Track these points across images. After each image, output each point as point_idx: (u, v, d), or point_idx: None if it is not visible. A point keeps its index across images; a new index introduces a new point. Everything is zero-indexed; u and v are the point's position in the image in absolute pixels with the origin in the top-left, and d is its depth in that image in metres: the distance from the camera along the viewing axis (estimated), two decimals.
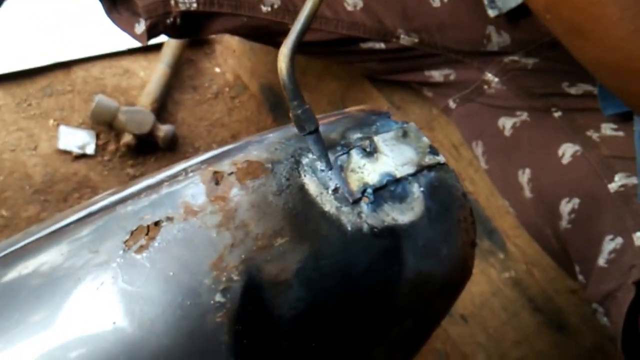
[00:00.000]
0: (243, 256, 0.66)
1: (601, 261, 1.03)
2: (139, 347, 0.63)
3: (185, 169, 0.71)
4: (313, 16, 0.68)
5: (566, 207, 1.12)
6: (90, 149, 1.67)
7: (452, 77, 1.30)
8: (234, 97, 1.89)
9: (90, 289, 0.65)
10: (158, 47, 1.86)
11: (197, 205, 0.68)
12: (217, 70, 1.93)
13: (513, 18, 1.17)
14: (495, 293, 1.56)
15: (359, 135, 0.76)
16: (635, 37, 0.78)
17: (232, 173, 0.70)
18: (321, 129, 0.74)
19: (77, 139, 1.68)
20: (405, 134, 0.78)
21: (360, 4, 1.18)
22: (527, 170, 1.21)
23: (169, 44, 1.83)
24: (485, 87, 1.28)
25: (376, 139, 0.76)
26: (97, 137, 1.70)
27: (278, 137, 0.73)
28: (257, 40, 1.35)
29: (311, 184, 0.70)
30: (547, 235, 1.21)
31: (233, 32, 1.25)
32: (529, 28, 1.19)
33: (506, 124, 1.25)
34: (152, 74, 1.80)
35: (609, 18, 0.78)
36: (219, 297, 0.64)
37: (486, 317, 1.59)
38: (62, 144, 1.66)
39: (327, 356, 0.70)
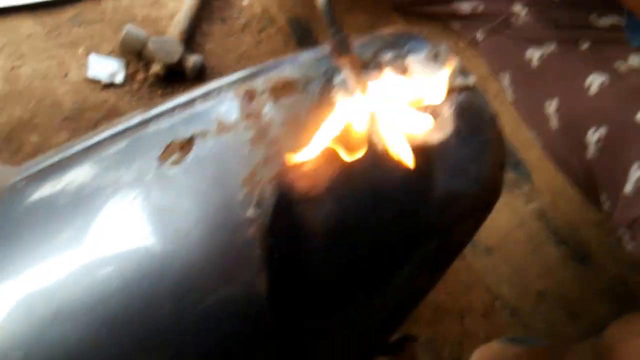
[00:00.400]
0: (276, 171, 0.67)
1: (628, 188, 1.03)
2: (171, 260, 0.64)
3: (218, 87, 0.72)
4: None
5: (593, 136, 1.12)
6: (119, 78, 1.67)
7: (480, 9, 1.28)
8: (261, 30, 1.88)
9: (124, 203, 0.65)
10: None
11: (231, 121, 0.68)
12: (245, 2, 1.92)
13: None
14: (520, 225, 1.56)
15: (390, 55, 0.76)
16: None
17: (265, 91, 0.70)
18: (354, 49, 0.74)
19: (106, 67, 1.67)
20: (436, 55, 0.77)
21: None
22: (554, 101, 1.20)
23: None
24: (513, 19, 1.26)
25: (408, 59, 0.76)
26: (126, 66, 1.70)
27: (310, 56, 0.73)
28: None
29: (342, 102, 0.70)
30: (572, 166, 1.21)
31: None
32: None
33: (534, 55, 1.24)
34: (181, 5, 1.79)
35: None
36: (251, 212, 0.65)
37: (510, 249, 1.59)
38: (92, 73, 1.66)
39: (355, 272, 0.70)
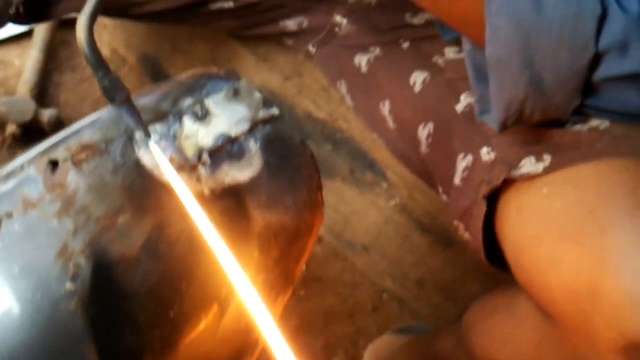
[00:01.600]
0: (87, 240, 0.64)
1: (457, 180, 1.03)
2: None
3: (20, 164, 0.68)
4: None
5: (423, 132, 1.12)
6: None
7: (305, 24, 1.27)
8: (114, 71, 1.84)
9: None
10: (30, 33, 1.79)
11: (35, 196, 0.65)
12: None
13: None
14: (386, 221, 1.56)
15: (190, 101, 0.73)
16: None
17: (67, 159, 0.67)
18: (152, 100, 0.72)
19: None
20: (236, 92, 0.75)
21: None
22: (387, 102, 1.20)
23: (39, 29, 1.75)
24: (337, 29, 1.26)
25: (207, 102, 0.73)
26: None
27: (109, 115, 0.71)
28: (110, 15, 1.30)
29: (146, 158, 0.68)
30: (414, 161, 1.21)
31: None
32: None
33: (361, 61, 1.24)
34: (27, 61, 1.74)
35: None
36: (69, 285, 0.63)
37: (384, 244, 1.59)
38: None
39: (185, 318, 0.68)
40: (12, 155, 1.63)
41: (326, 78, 1.39)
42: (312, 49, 1.32)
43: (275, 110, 0.75)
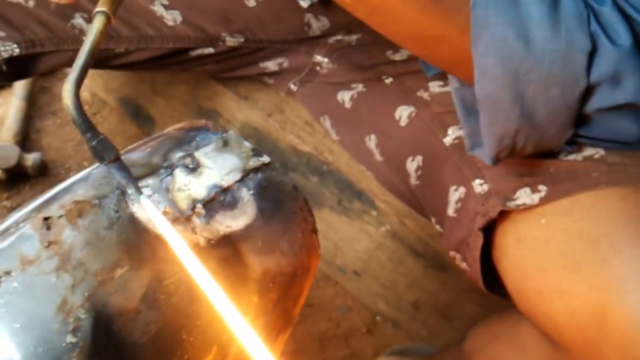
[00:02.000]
0: (86, 294, 0.65)
1: (450, 211, 1.04)
2: None
3: (16, 221, 0.70)
4: (95, 51, 0.67)
5: (412, 165, 1.13)
6: None
7: (285, 65, 1.29)
8: (95, 114, 1.86)
9: None
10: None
11: (32, 253, 0.66)
12: None
13: (326, 3, 1.16)
14: (378, 247, 1.57)
15: (180, 154, 0.75)
16: (434, 3, 0.78)
17: (61, 216, 0.68)
18: (142, 155, 0.74)
19: None
20: (226, 143, 0.77)
21: (179, 19, 1.15)
22: (373, 136, 1.22)
23: None
24: (318, 68, 1.27)
25: (197, 154, 0.75)
26: None
27: (102, 172, 0.72)
28: (91, 67, 1.32)
29: (140, 212, 0.69)
30: (404, 192, 1.22)
31: (64, 66, 1.22)
32: (343, 9, 1.19)
33: (345, 97, 1.25)
34: (8, 109, 1.77)
35: None
36: (70, 338, 0.64)
37: (376, 269, 1.60)
38: None
39: None
40: None
41: (309, 113, 1.40)
42: (293, 87, 1.34)
43: (265, 159, 0.77)
